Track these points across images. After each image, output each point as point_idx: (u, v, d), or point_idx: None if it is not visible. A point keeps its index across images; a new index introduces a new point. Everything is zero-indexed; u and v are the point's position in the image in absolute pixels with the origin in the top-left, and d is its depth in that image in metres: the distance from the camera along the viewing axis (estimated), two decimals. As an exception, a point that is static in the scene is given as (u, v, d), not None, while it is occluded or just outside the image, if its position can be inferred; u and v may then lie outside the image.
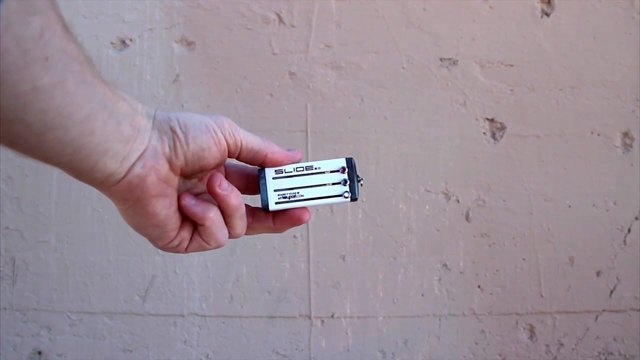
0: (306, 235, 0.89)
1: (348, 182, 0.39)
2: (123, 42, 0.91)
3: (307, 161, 0.39)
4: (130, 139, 0.31)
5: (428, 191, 0.88)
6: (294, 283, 0.89)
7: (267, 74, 0.89)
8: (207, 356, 0.90)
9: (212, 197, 0.36)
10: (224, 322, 0.90)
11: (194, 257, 0.90)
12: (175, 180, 0.35)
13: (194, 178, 0.37)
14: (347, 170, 0.39)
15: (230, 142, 0.35)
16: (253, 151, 0.37)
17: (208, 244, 0.37)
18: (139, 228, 0.35)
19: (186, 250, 0.38)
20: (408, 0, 0.88)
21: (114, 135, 0.30)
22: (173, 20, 0.90)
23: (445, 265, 0.89)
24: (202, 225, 0.35)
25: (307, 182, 0.39)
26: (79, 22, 0.90)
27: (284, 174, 0.39)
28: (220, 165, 0.37)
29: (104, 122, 0.29)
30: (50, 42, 0.25)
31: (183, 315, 0.90)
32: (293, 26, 0.89)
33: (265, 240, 0.89)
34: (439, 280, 0.89)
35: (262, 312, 0.90)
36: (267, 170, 0.39)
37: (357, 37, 0.89)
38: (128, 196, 0.33)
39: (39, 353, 0.91)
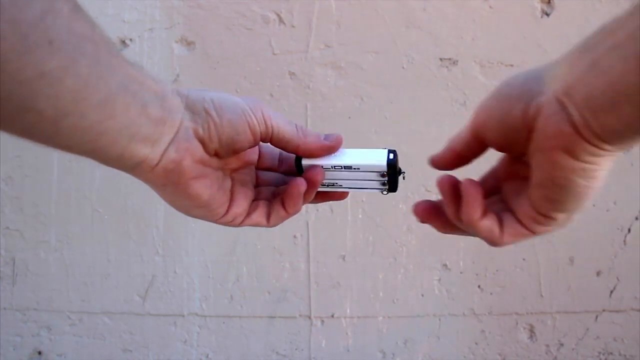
0: (306, 235, 0.89)
1: (388, 178, 0.38)
2: (123, 42, 0.91)
3: (348, 153, 0.37)
4: (160, 122, 0.30)
5: (428, 191, 0.88)
6: (294, 283, 0.89)
7: (267, 74, 0.89)
8: (207, 356, 0.90)
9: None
10: (224, 322, 0.90)
11: (194, 257, 0.90)
12: (211, 160, 0.34)
13: (228, 157, 0.36)
14: (387, 172, 0.37)
15: (262, 129, 0.34)
16: (284, 140, 0.35)
17: (288, 212, 0.36)
18: (185, 210, 0.35)
19: (241, 225, 0.37)
20: (408, 0, 0.88)
21: (140, 118, 0.29)
22: (173, 20, 0.90)
23: (445, 265, 0.89)
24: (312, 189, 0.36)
25: (346, 176, 0.38)
26: (79, 22, 0.90)
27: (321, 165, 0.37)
28: (252, 148, 0.36)
29: (126, 105, 0.28)
30: (53, 24, 0.23)
31: (183, 315, 0.90)
32: (293, 26, 0.89)
33: (265, 240, 0.89)
34: (439, 280, 0.89)
35: (262, 312, 0.90)
36: (303, 162, 0.37)
37: (357, 37, 0.89)
38: (166, 181, 0.32)
39: (39, 353, 0.91)
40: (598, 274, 0.88)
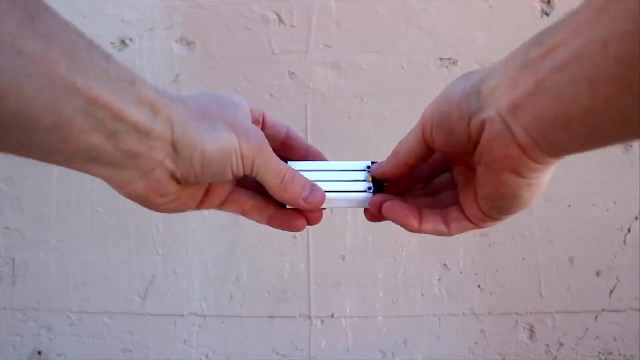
0: (306, 235, 0.89)
1: (372, 180, 0.37)
2: (123, 42, 0.91)
3: (330, 162, 0.38)
4: (134, 156, 0.27)
5: (428, 191, 0.88)
6: (294, 283, 0.89)
7: (267, 74, 0.89)
8: (207, 356, 0.90)
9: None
10: (224, 322, 0.90)
11: (194, 257, 0.90)
12: (187, 187, 0.32)
13: None
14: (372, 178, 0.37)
15: (247, 174, 0.32)
16: (266, 187, 0.34)
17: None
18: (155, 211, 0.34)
19: (218, 210, 0.37)
20: (408, 0, 0.88)
21: (102, 145, 0.26)
22: (173, 20, 0.90)
23: (445, 265, 0.89)
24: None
25: (329, 177, 0.38)
26: (79, 22, 0.90)
27: (306, 171, 0.37)
28: None
29: (84, 132, 0.25)
30: None
31: (183, 315, 0.90)
32: (293, 26, 0.89)
33: (265, 240, 0.89)
34: (439, 280, 0.89)
35: (262, 312, 0.90)
36: (288, 164, 0.37)
37: (357, 37, 0.89)
38: (134, 201, 0.31)
39: (39, 353, 0.91)
40: (598, 274, 0.88)
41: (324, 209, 0.39)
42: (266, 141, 0.33)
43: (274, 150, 0.34)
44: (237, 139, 0.31)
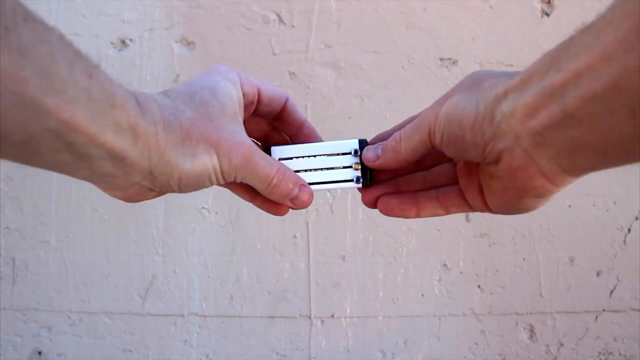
0: (306, 235, 0.89)
1: (360, 166, 0.36)
2: (123, 42, 0.90)
3: (317, 142, 0.37)
4: (107, 176, 0.27)
5: (428, 191, 0.88)
6: (294, 283, 0.89)
7: (267, 74, 0.89)
8: (207, 356, 0.90)
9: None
10: (224, 322, 0.90)
11: (194, 257, 0.90)
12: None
13: None
14: (359, 153, 0.36)
15: (229, 181, 0.33)
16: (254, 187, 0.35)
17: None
18: None
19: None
20: (408, 0, 0.88)
21: (75, 164, 0.25)
22: (173, 20, 0.90)
23: (445, 265, 0.89)
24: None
25: (316, 164, 0.36)
26: (79, 22, 0.90)
27: (292, 158, 0.36)
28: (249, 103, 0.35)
29: (55, 151, 0.24)
30: None
31: (183, 315, 0.90)
32: (293, 26, 0.89)
33: (265, 240, 0.89)
34: (439, 280, 0.89)
35: (262, 312, 0.90)
36: (273, 150, 0.36)
37: (357, 37, 0.89)
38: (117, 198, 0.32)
39: (39, 353, 0.91)
40: (598, 274, 0.88)
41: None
42: (252, 150, 0.32)
43: (269, 122, 0.36)
44: (218, 160, 0.31)
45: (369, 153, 0.35)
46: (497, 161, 0.27)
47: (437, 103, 0.31)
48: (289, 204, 0.35)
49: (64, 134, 0.23)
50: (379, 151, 0.35)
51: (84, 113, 0.23)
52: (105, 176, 0.27)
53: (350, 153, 0.36)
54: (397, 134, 0.34)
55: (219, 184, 0.32)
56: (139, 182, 0.29)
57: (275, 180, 0.33)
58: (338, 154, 0.36)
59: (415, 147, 0.32)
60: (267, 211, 0.37)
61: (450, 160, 0.36)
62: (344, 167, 0.36)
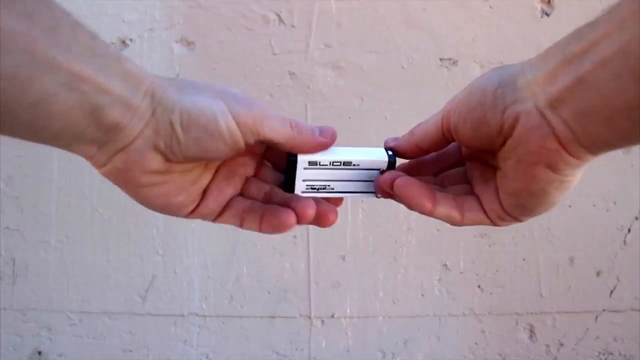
0: (306, 235, 0.89)
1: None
2: (123, 42, 0.91)
3: (346, 150, 0.34)
4: (115, 128, 0.27)
5: (428, 191, 0.88)
6: (294, 283, 0.89)
7: (267, 74, 0.89)
8: (207, 356, 0.90)
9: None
10: (224, 322, 0.90)
11: (194, 257, 0.90)
12: (177, 166, 0.30)
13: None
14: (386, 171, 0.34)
15: (250, 140, 0.30)
16: (280, 144, 0.31)
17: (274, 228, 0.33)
18: (145, 207, 0.32)
19: (215, 221, 0.34)
20: (408, 0, 0.88)
21: (85, 121, 0.26)
22: (173, 20, 0.90)
23: (445, 265, 0.89)
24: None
25: (342, 176, 0.35)
26: (79, 22, 0.90)
27: (318, 166, 0.34)
28: (237, 155, 0.32)
29: (68, 108, 0.25)
30: None
31: (183, 315, 0.90)
32: (293, 26, 0.89)
33: (265, 240, 0.89)
34: (439, 280, 0.89)
35: (262, 312, 0.90)
36: (299, 158, 0.33)
37: (357, 37, 0.89)
38: (115, 181, 0.30)
39: (39, 353, 0.91)
40: (598, 274, 0.88)
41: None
42: (262, 105, 0.31)
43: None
44: (226, 106, 0.29)
45: (389, 140, 0.36)
46: (513, 125, 0.27)
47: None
48: (320, 139, 0.32)
49: (76, 86, 0.24)
50: (398, 138, 0.35)
51: (92, 65, 0.25)
52: (112, 131, 0.27)
53: (378, 170, 0.35)
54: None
55: (235, 143, 0.29)
56: (142, 129, 0.28)
57: (293, 122, 0.32)
58: (366, 170, 0.35)
59: (428, 129, 0.33)
60: (279, 222, 0.33)
61: (458, 162, 0.36)
62: (370, 173, 0.35)
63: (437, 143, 0.33)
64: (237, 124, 0.29)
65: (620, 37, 0.22)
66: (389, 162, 0.34)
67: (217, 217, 0.34)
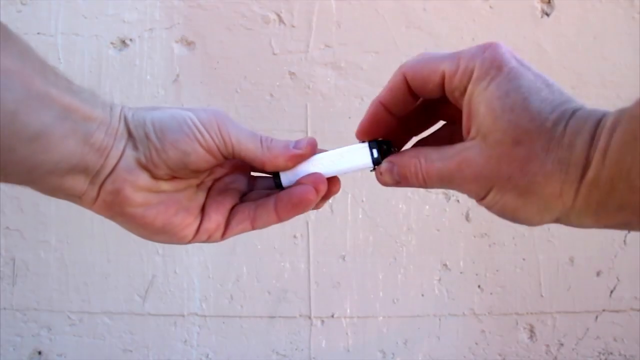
0: (306, 235, 0.89)
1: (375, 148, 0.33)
2: (123, 42, 0.90)
3: (328, 158, 0.34)
4: (104, 150, 0.28)
5: (428, 191, 0.88)
6: (294, 283, 0.89)
7: (267, 74, 0.89)
8: (207, 356, 0.90)
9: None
10: (224, 322, 0.90)
11: (194, 257, 0.90)
12: (165, 185, 0.31)
13: (201, 175, 0.33)
14: (375, 143, 0.33)
15: (220, 145, 0.30)
16: (248, 157, 0.31)
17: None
18: (145, 237, 0.33)
19: (223, 238, 0.34)
20: (408, 0, 0.88)
21: (81, 148, 0.27)
22: (173, 20, 0.90)
23: (445, 265, 0.89)
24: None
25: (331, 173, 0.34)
26: (79, 22, 0.90)
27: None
28: (220, 165, 0.33)
29: (64, 137, 0.26)
30: None
31: (183, 315, 0.90)
32: (293, 26, 0.89)
33: (265, 240, 0.89)
34: (439, 280, 0.89)
35: (262, 312, 0.90)
36: (281, 175, 0.33)
37: (357, 37, 0.89)
38: (111, 213, 0.30)
39: (39, 353, 0.91)
40: (598, 274, 0.88)
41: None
42: (230, 118, 0.32)
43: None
44: (191, 112, 0.31)
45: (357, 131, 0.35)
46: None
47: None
48: (295, 151, 0.32)
49: (68, 116, 0.26)
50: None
51: (77, 98, 0.27)
52: (100, 154, 0.28)
53: (363, 164, 0.33)
54: None
55: (209, 146, 0.30)
56: (124, 148, 0.29)
57: (263, 137, 0.32)
58: (352, 166, 0.34)
59: (393, 79, 0.32)
60: (295, 208, 0.32)
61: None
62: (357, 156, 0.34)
63: (401, 93, 0.32)
64: (206, 129, 0.30)
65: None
66: (374, 161, 0.33)
67: (225, 230, 0.34)
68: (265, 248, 0.89)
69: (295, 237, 0.89)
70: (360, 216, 0.89)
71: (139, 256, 0.90)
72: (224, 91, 0.89)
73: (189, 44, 0.90)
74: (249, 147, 0.31)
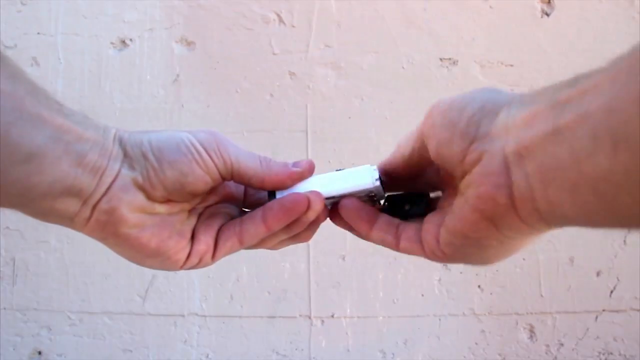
0: (306, 235, 0.89)
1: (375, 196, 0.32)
2: (123, 42, 0.91)
3: (328, 180, 0.33)
4: (98, 170, 0.28)
5: (428, 191, 0.88)
6: (294, 283, 0.89)
7: (267, 74, 0.89)
8: (207, 356, 0.90)
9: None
10: (224, 322, 0.90)
11: (194, 257, 0.90)
12: (159, 207, 0.30)
13: (195, 200, 0.32)
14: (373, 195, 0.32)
15: (219, 164, 0.30)
16: (247, 176, 0.31)
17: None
18: (137, 261, 0.32)
19: (214, 261, 0.33)
20: (408, 0, 0.88)
21: (74, 169, 0.27)
22: (173, 20, 0.90)
23: (445, 265, 0.89)
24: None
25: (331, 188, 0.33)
26: (79, 22, 0.90)
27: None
28: (218, 187, 0.32)
29: (57, 158, 0.26)
30: None
31: (183, 315, 0.90)
32: (293, 26, 0.89)
33: (265, 240, 0.89)
34: (439, 280, 0.89)
35: (262, 312, 0.90)
36: (277, 195, 0.32)
37: (357, 37, 0.89)
38: (104, 234, 0.30)
39: (39, 353, 0.91)
40: (598, 274, 0.88)
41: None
42: (229, 139, 0.32)
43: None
44: (189, 133, 0.31)
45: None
46: (474, 163, 0.25)
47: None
48: (295, 169, 0.32)
49: (61, 137, 0.26)
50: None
51: (69, 119, 0.27)
52: (94, 175, 0.28)
53: (366, 187, 0.33)
54: None
55: (209, 169, 0.30)
56: (120, 169, 0.29)
57: (262, 157, 0.32)
58: (353, 189, 0.33)
59: (407, 138, 0.32)
60: (287, 215, 0.32)
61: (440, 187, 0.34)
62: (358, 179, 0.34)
63: (418, 151, 0.31)
64: (202, 145, 0.30)
65: (609, 90, 0.19)
66: (375, 182, 0.32)
67: (214, 251, 0.33)
68: (265, 248, 0.89)
69: (295, 237, 0.89)
70: (360, 216, 0.89)
71: (139, 256, 0.90)
72: (224, 91, 0.89)
73: (189, 44, 0.90)
74: (248, 165, 0.31)
